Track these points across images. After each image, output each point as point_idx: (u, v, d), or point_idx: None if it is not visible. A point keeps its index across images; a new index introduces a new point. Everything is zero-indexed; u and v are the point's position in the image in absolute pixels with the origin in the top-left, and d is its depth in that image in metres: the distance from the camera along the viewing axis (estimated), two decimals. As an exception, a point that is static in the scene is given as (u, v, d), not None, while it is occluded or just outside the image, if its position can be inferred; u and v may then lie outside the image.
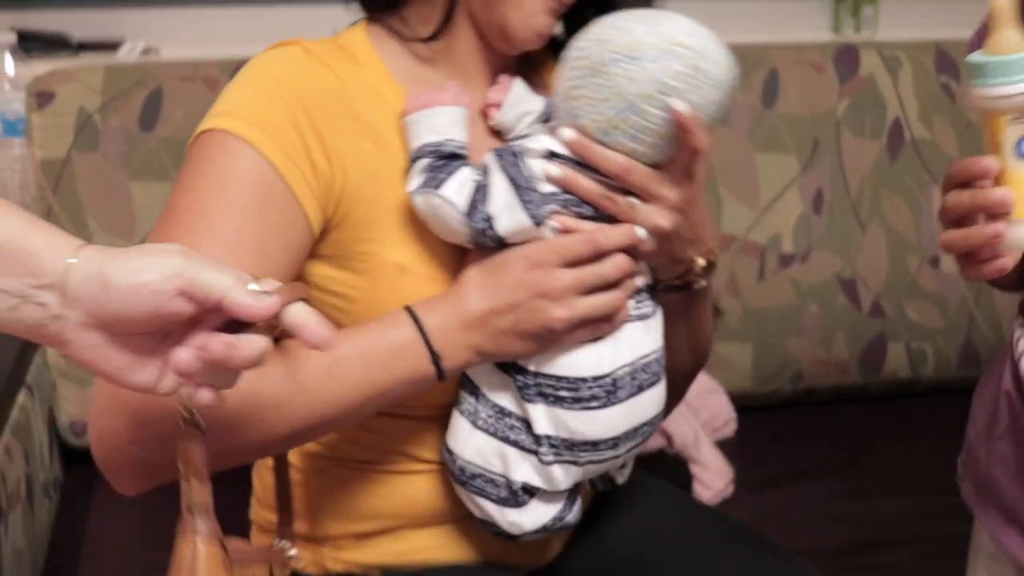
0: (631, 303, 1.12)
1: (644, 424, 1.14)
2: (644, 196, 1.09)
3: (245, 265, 0.93)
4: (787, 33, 2.15)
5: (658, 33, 1.06)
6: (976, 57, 1.01)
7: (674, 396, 1.28)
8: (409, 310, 1.09)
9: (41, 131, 1.69)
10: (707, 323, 1.29)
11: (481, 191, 1.08)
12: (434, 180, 1.09)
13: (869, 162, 1.90)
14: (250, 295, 0.83)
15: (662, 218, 1.09)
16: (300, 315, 0.86)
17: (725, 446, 1.76)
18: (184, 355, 0.84)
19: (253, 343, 0.84)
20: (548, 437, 1.11)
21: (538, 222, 1.07)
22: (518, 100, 1.15)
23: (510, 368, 1.12)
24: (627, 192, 1.09)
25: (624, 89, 1.05)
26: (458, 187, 1.08)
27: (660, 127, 1.05)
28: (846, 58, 1.91)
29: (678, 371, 1.26)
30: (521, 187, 1.08)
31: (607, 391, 1.11)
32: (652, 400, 1.15)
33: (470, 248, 1.12)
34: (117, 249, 0.83)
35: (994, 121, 1.03)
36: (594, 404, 1.10)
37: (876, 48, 1.94)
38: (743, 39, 1.94)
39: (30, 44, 1.97)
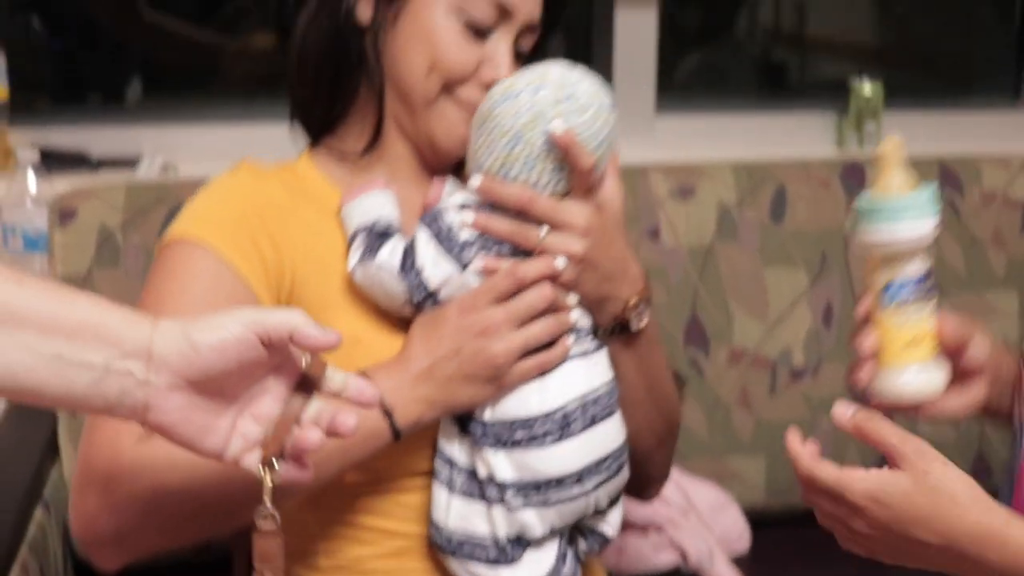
0: (572, 340, 1.20)
1: (607, 458, 1.20)
2: (552, 224, 1.19)
3: None
4: (792, 148, 2.18)
5: (531, 72, 1.20)
6: (858, 200, 1.07)
7: (653, 466, 1.35)
8: (361, 374, 1.13)
9: (63, 248, 1.71)
10: (663, 375, 1.34)
11: (410, 250, 1.20)
12: (370, 251, 1.21)
13: (877, 276, 1.92)
14: (316, 327, 0.91)
15: (573, 243, 1.18)
16: (340, 379, 0.95)
17: (740, 563, 1.76)
18: (313, 435, 0.92)
19: (352, 418, 0.93)
20: (513, 483, 1.17)
21: (463, 266, 1.19)
22: (450, 196, 1.25)
23: (467, 424, 1.19)
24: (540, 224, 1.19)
25: (508, 125, 1.18)
26: (390, 252, 1.21)
27: (547, 152, 1.17)
28: (852, 174, 1.94)
29: (649, 433, 1.32)
30: (443, 240, 1.19)
31: (560, 426, 1.17)
32: (609, 432, 1.22)
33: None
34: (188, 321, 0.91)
35: (867, 265, 1.09)
36: (549, 440, 1.17)
37: (881, 164, 1.97)
38: (750, 156, 1.99)
39: (51, 161, 1.99)
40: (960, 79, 2.77)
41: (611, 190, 1.25)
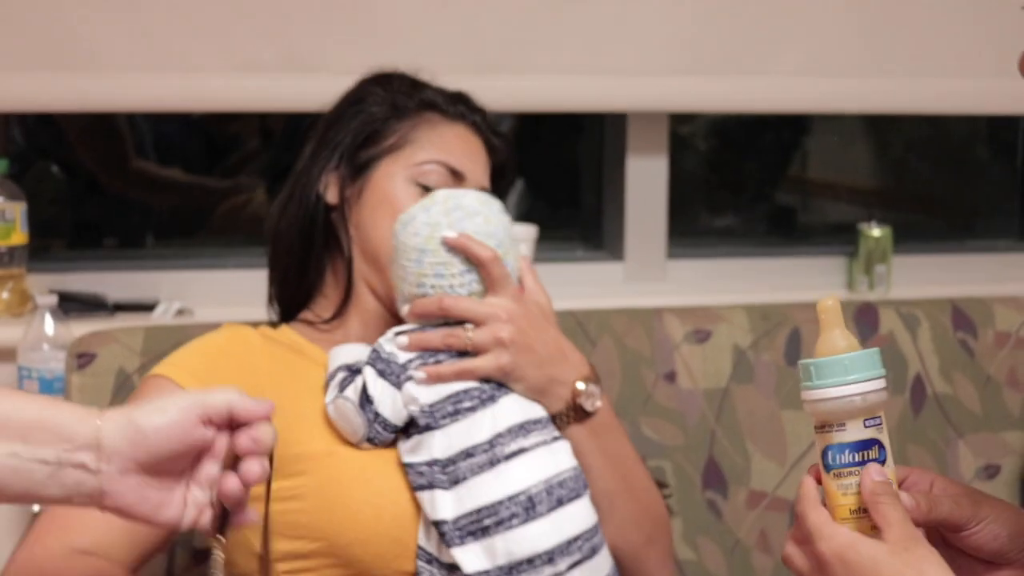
0: (535, 436, 1.28)
1: (577, 538, 1.26)
2: (474, 320, 1.30)
3: None
4: (803, 292, 2.20)
5: (423, 199, 1.36)
6: (807, 361, 1.02)
7: (650, 567, 1.38)
8: None
9: (80, 391, 1.71)
10: (635, 464, 1.39)
11: (364, 388, 1.31)
12: (342, 388, 1.34)
13: (893, 417, 1.92)
14: (252, 401, 0.99)
15: (498, 330, 1.28)
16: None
17: None
18: (231, 483, 0.99)
19: (266, 430, 1.00)
20: (486, 572, 1.22)
21: (400, 385, 1.29)
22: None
23: (438, 527, 1.25)
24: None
25: (412, 244, 1.33)
26: (353, 389, 1.33)
27: (450, 258, 1.30)
28: (866, 316, 1.95)
29: (634, 527, 1.36)
30: (383, 370, 1.30)
31: (525, 507, 1.24)
32: (577, 513, 1.27)
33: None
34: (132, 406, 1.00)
35: (815, 426, 1.02)
36: (516, 522, 1.23)
37: (894, 306, 1.98)
38: (762, 299, 2.01)
39: (68, 305, 2.01)
40: (962, 220, 2.81)
41: (531, 288, 1.37)
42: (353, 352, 1.40)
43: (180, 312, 2.10)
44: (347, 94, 1.52)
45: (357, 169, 1.45)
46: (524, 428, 1.29)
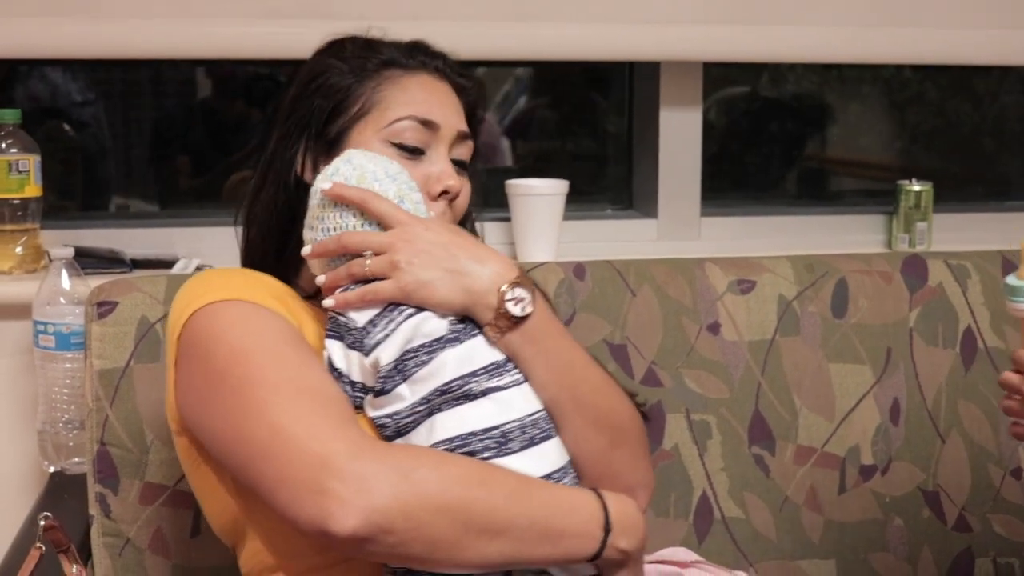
0: (509, 377, 1.25)
1: (549, 476, 1.24)
2: (374, 250, 1.26)
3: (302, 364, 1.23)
4: (840, 249, 2.13)
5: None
6: (1011, 280, 1.32)
7: (620, 469, 1.33)
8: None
9: (100, 341, 1.63)
10: (585, 370, 1.33)
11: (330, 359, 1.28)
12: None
13: (944, 372, 1.85)
14: None
15: (394, 254, 1.24)
16: None
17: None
18: None
19: None
20: None
21: (366, 349, 1.25)
22: None
23: None
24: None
25: (312, 191, 1.32)
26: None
27: (338, 211, 1.28)
28: (913, 268, 1.88)
29: (593, 432, 1.31)
30: (346, 338, 1.26)
31: (498, 442, 1.22)
32: (551, 452, 1.26)
33: None
34: None
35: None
36: (488, 455, 1.21)
37: (943, 258, 1.91)
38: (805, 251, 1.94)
39: (85, 261, 1.94)
40: (998, 182, 2.75)
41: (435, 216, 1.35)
42: None
43: (199, 268, 2.03)
44: (303, 70, 1.46)
45: (330, 143, 1.40)
46: (493, 368, 1.26)
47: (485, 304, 1.25)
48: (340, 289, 1.28)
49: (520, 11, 2.02)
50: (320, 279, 1.30)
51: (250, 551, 1.34)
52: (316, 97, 1.41)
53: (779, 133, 2.68)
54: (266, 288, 1.34)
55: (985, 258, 1.93)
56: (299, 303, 1.38)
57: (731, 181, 2.56)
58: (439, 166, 1.39)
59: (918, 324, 1.85)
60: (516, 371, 1.27)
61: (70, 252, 1.89)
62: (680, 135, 2.20)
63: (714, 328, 1.78)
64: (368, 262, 1.26)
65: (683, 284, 1.80)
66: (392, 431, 1.24)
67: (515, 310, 1.26)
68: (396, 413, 1.24)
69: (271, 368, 1.22)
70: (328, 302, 1.28)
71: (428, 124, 1.39)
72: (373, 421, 1.26)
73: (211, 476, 1.33)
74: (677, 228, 2.23)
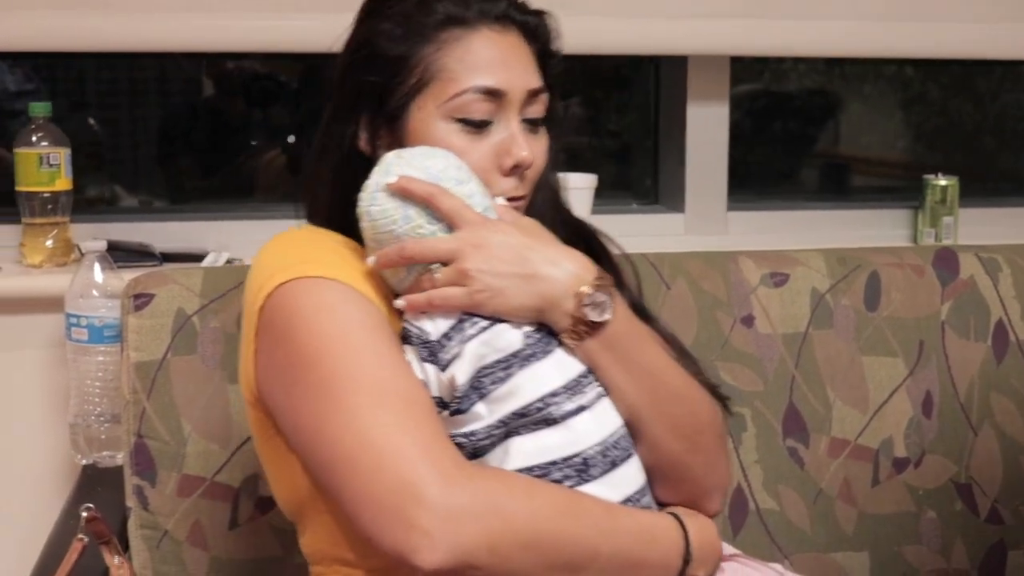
0: (591, 394, 1.18)
1: (626, 501, 1.19)
2: (441, 259, 1.19)
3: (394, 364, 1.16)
4: (866, 244, 2.13)
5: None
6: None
7: (697, 474, 1.27)
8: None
9: (137, 333, 1.63)
10: (667, 374, 1.26)
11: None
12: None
13: (976, 365, 1.85)
14: None
15: (462, 263, 1.17)
16: None
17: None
18: None
19: None
20: None
21: (442, 365, 1.18)
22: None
23: None
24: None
25: (365, 209, 1.21)
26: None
27: (400, 205, 1.19)
28: (945, 261, 1.89)
29: (671, 437, 1.24)
30: (423, 354, 1.19)
31: (578, 470, 1.16)
32: (629, 474, 1.20)
33: None
34: None
35: None
36: (567, 484, 1.15)
37: (974, 251, 1.92)
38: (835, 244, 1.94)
39: (115, 255, 1.94)
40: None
41: (507, 216, 1.24)
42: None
43: (229, 262, 2.03)
44: (350, 38, 1.33)
45: (389, 118, 1.28)
46: (576, 384, 1.19)
47: (562, 310, 1.18)
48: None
49: (548, 5, 2.01)
50: (399, 303, 1.21)
51: (314, 537, 1.30)
52: (368, 69, 1.28)
53: (791, 130, 2.68)
54: (352, 262, 1.24)
55: (1016, 251, 1.94)
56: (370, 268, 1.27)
57: (750, 177, 2.56)
58: (512, 136, 1.27)
59: (950, 317, 1.86)
60: (597, 383, 1.20)
61: (103, 245, 1.90)
62: (707, 129, 2.20)
63: (748, 321, 1.79)
64: (437, 275, 1.18)
65: (717, 277, 1.80)
66: (468, 451, 1.17)
67: (593, 315, 1.18)
68: (473, 434, 1.17)
69: (362, 366, 1.15)
70: (400, 303, 1.21)
71: (494, 93, 1.25)
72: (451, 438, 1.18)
73: (283, 451, 1.26)
74: (704, 223, 2.23)
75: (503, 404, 1.16)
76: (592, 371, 1.21)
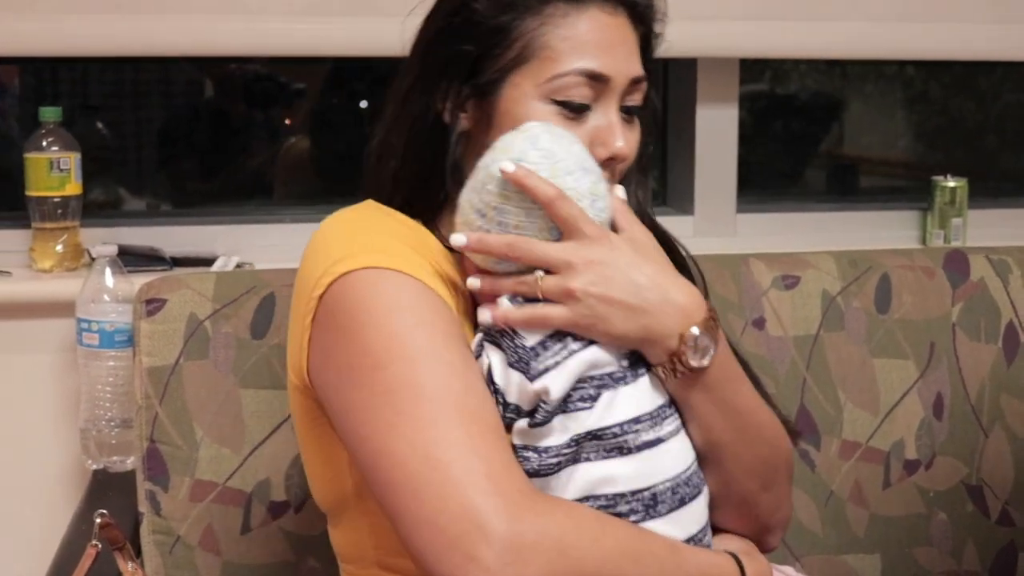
0: (670, 426, 1.13)
1: (690, 540, 1.14)
2: (540, 266, 1.11)
3: (466, 377, 1.07)
4: (876, 246, 2.13)
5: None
6: None
7: (763, 512, 1.24)
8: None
9: (149, 339, 1.63)
10: (755, 416, 1.21)
11: (490, 371, 1.12)
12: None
13: (987, 366, 1.85)
14: None
15: (569, 281, 1.10)
16: None
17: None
18: None
19: None
20: None
21: (531, 375, 1.09)
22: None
23: None
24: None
25: (485, 164, 1.13)
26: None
27: (510, 192, 1.11)
28: (955, 263, 1.89)
29: (747, 477, 1.20)
30: (511, 360, 1.10)
31: (646, 505, 1.11)
32: (697, 512, 1.15)
33: None
34: None
35: None
36: (633, 519, 1.10)
37: (984, 252, 1.92)
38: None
39: (126, 259, 1.94)
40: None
41: (625, 228, 1.16)
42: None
43: (239, 266, 2.04)
44: (441, 2, 1.25)
45: (480, 91, 1.20)
46: (659, 414, 1.14)
47: (663, 347, 1.12)
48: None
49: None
50: (473, 282, 1.15)
51: (354, 535, 1.23)
52: (463, 37, 1.20)
53: (794, 130, 2.68)
54: (421, 249, 1.17)
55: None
56: (441, 255, 1.20)
57: (756, 179, 2.56)
58: (609, 125, 1.21)
59: (960, 319, 1.86)
60: (676, 416, 1.16)
61: (114, 250, 1.90)
62: (716, 131, 2.20)
63: (759, 323, 1.79)
64: (540, 281, 1.11)
65: (728, 280, 1.80)
66: (534, 466, 1.10)
67: (694, 361, 1.12)
68: (547, 450, 1.10)
69: (433, 376, 1.07)
70: (485, 317, 1.13)
71: (597, 78, 1.18)
72: (515, 449, 1.11)
73: (328, 442, 1.20)
74: (713, 225, 2.23)
75: (581, 423, 1.11)
76: (675, 403, 1.16)
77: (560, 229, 1.12)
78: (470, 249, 1.14)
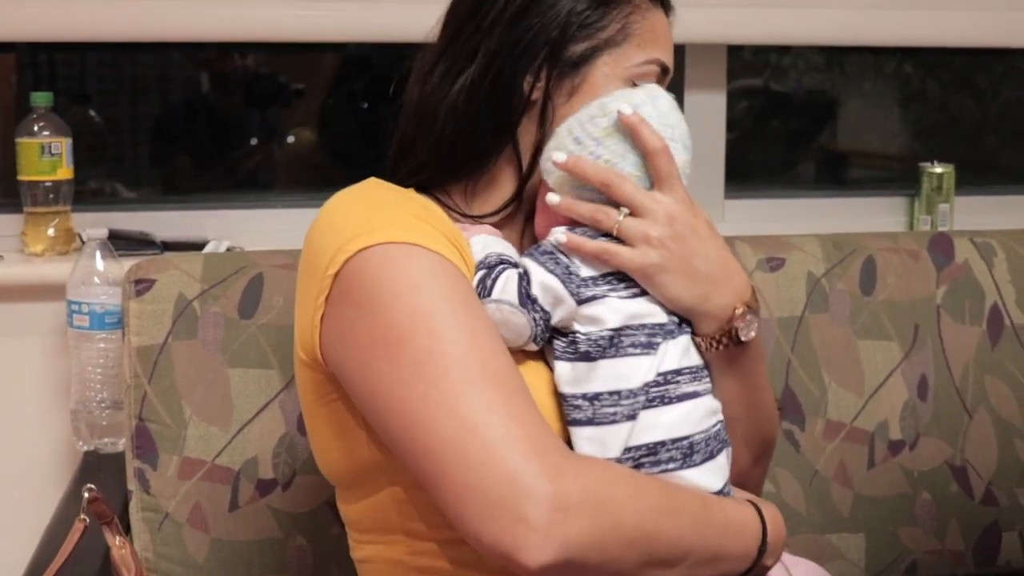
0: (707, 384, 1.18)
1: (719, 491, 1.18)
2: (632, 208, 1.15)
3: (492, 344, 1.09)
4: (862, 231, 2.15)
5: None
6: None
7: (748, 485, 1.28)
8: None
9: (138, 318, 1.65)
10: (765, 394, 1.29)
11: (525, 277, 1.16)
12: (483, 290, 1.16)
13: (971, 348, 1.86)
14: None
15: (651, 227, 1.14)
16: None
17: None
18: None
19: None
20: None
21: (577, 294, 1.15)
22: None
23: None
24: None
25: (601, 101, 1.19)
26: (503, 285, 1.15)
27: (621, 137, 1.16)
28: (940, 246, 1.90)
29: (745, 450, 1.27)
30: (554, 270, 1.15)
31: (684, 454, 1.14)
32: (724, 464, 1.19)
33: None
34: None
35: None
36: (672, 466, 1.14)
37: (968, 235, 1.93)
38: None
39: (117, 243, 1.95)
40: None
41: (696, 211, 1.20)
42: (487, 243, 1.21)
43: (229, 250, 2.05)
44: None
45: (570, 64, 1.23)
46: (699, 373, 1.18)
47: (714, 317, 1.17)
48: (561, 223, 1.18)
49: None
50: (553, 198, 1.18)
51: (376, 506, 1.22)
52: (559, 12, 1.24)
53: (791, 127, 2.69)
54: (436, 223, 1.18)
55: (1011, 236, 1.95)
56: (451, 228, 1.21)
57: (748, 174, 2.57)
58: None
59: (945, 301, 1.87)
60: (709, 379, 1.20)
61: (104, 233, 1.91)
62: (705, 119, 2.21)
63: (744, 305, 1.80)
64: (621, 218, 1.15)
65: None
66: (584, 417, 1.14)
67: (743, 334, 1.18)
68: (597, 396, 1.14)
69: (460, 345, 1.07)
70: (559, 235, 1.16)
71: (665, 71, 1.26)
72: (566, 397, 1.15)
73: (342, 417, 1.20)
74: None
75: (635, 368, 1.14)
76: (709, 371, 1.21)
77: (652, 179, 1.17)
78: (566, 167, 1.18)
